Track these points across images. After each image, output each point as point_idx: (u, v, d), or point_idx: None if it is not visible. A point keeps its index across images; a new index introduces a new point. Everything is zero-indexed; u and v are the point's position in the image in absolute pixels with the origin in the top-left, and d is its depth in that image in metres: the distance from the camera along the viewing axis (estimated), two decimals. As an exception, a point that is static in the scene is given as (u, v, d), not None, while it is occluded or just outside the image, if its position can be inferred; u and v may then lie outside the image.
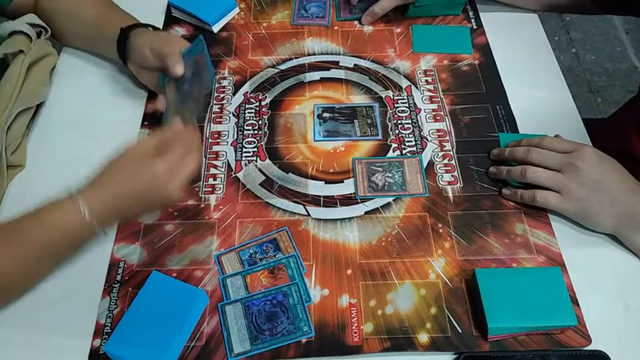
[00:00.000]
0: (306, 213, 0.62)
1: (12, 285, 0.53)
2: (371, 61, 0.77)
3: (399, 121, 0.70)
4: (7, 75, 0.63)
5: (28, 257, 0.51)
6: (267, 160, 0.66)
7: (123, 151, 0.52)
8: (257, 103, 0.72)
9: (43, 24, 0.69)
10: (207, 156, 0.67)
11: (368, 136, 0.68)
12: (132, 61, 0.68)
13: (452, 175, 0.65)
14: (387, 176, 0.65)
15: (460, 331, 0.53)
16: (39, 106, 0.70)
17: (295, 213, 0.61)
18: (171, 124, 0.55)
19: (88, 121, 0.70)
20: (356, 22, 0.82)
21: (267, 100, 0.72)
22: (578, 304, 0.54)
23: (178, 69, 0.62)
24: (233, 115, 0.71)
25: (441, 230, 0.60)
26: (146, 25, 0.69)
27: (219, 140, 0.68)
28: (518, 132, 0.68)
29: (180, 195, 0.52)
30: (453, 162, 0.66)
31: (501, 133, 0.68)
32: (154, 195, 0.52)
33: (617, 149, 0.62)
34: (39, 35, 0.69)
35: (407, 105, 0.72)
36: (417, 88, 0.74)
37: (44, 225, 0.51)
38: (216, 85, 0.74)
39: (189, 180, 0.53)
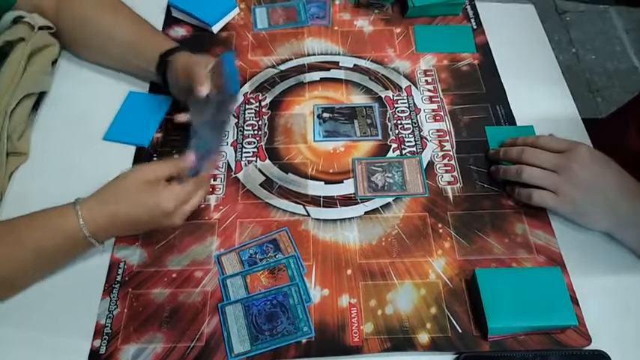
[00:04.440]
0: (306, 213, 0.62)
1: (1, 284, 0.53)
2: (371, 61, 0.77)
3: (399, 121, 0.70)
4: (9, 60, 0.64)
5: (21, 258, 0.51)
6: (267, 161, 0.66)
7: (133, 170, 0.53)
8: (257, 104, 0.72)
9: (49, 24, 0.69)
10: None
11: (368, 136, 0.68)
12: (171, 86, 0.66)
13: (452, 175, 0.65)
14: (387, 176, 0.65)
15: (460, 331, 0.53)
16: (42, 102, 0.70)
17: (295, 213, 0.61)
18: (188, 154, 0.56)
19: (91, 117, 0.69)
20: (356, 23, 0.82)
21: (267, 101, 0.72)
22: (578, 304, 0.54)
23: (201, 90, 0.58)
24: (233, 115, 0.71)
25: (440, 230, 0.60)
26: (181, 49, 0.66)
27: (219, 140, 0.68)
28: (517, 132, 0.68)
29: (182, 223, 0.55)
30: (452, 162, 0.66)
31: (488, 127, 0.68)
32: (154, 222, 0.54)
33: (616, 148, 0.62)
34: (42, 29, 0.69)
35: (407, 105, 0.72)
36: (416, 88, 0.74)
37: (42, 227, 0.51)
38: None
39: (192, 211, 0.56)
